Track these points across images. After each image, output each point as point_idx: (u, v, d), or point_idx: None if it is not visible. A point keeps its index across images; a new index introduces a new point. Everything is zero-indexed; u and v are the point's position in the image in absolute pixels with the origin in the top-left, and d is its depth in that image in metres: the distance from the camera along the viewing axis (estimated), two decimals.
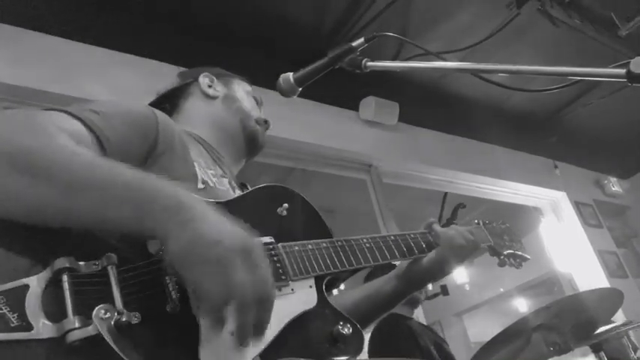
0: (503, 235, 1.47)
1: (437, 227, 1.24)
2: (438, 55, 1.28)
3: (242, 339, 0.68)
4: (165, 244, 0.69)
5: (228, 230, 0.71)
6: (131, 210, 0.69)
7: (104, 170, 0.72)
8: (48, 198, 0.67)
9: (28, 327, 0.62)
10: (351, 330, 0.88)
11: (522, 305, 6.70)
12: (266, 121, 1.36)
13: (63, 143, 0.73)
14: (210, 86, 1.33)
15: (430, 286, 2.81)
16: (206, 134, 1.24)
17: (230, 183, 1.16)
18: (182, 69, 1.47)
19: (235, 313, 0.66)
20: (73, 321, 0.63)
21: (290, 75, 1.22)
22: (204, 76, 1.33)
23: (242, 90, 1.38)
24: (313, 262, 0.95)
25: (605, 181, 5.05)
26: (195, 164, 1.05)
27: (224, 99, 1.32)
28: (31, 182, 0.66)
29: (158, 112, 1.04)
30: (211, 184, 1.04)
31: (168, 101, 1.32)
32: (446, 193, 1.55)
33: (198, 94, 1.31)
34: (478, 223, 1.43)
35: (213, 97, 1.31)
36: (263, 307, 0.69)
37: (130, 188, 0.70)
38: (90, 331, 0.63)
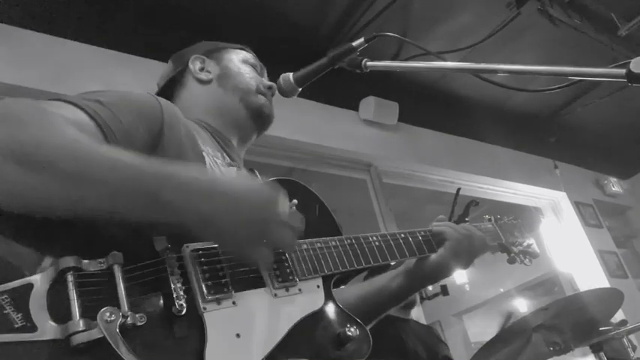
0: (514, 231, 1.43)
1: (446, 224, 1.21)
2: (438, 55, 1.28)
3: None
4: (184, 218, 0.70)
5: (245, 194, 0.74)
6: (143, 196, 0.68)
7: (113, 159, 0.69)
8: (56, 191, 0.65)
9: (33, 328, 0.61)
10: (357, 332, 0.87)
11: (522, 305, 6.70)
12: (270, 87, 1.28)
13: (70, 133, 0.71)
14: (202, 69, 1.27)
15: (430, 287, 2.78)
16: (211, 120, 1.21)
17: (238, 172, 1.13)
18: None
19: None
20: (78, 323, 0.62)
21: (290, 75, 1.21)
22: (193, 60, 1.27)
23: (237, 60, 1.30)
24: (322, 261, 0.94)
25: (605, 181, 5.05)
26: (204, 154, 1.02)
27: (218, 80, 1.25)
28: (38, 175, 0.64)
29: (163, 100, 1.01)
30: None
31: (166, 94, 1.27)
32: (458, 189, 1.47)
33: (192, 81, 1.26)
34: (490, 220, 1.39)
35: (208, 82, 1.25)
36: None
37: (142, 173, 0.69)
38: (95, 334, 0.63)
